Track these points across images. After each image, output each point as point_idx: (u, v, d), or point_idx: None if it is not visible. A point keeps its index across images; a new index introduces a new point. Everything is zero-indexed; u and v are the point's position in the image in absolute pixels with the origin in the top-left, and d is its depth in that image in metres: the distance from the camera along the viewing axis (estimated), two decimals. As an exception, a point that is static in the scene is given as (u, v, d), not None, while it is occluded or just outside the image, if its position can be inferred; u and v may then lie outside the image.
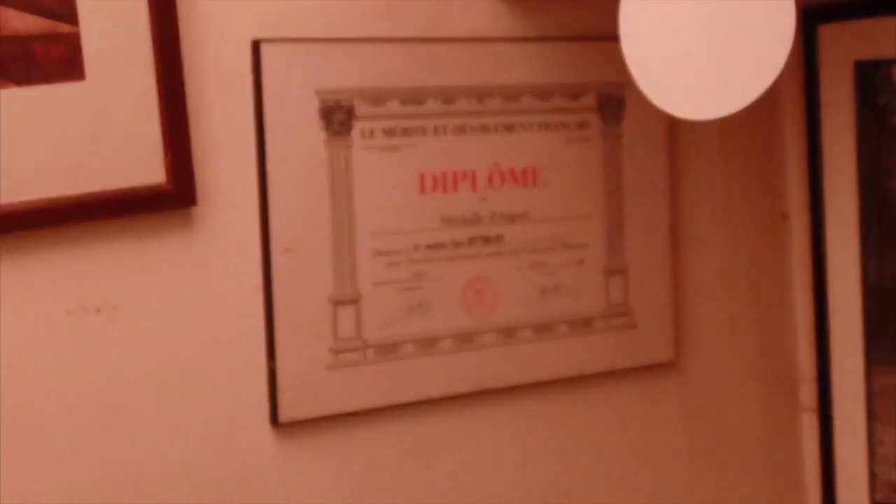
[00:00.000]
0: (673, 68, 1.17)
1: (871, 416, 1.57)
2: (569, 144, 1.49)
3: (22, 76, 1.20)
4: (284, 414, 1.35)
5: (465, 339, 1.45)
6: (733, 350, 1.66)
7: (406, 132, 1.40)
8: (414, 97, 1.40)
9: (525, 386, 1.49)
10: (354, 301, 1.38)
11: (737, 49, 1.15)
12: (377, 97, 1.38)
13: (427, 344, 1.43)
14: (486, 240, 1.45)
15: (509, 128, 1.45)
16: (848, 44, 1.54)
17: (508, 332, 1.47)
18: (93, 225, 1.26)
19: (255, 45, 1.32)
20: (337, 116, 1.36)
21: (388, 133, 1.39)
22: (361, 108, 1.37)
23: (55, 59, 1.21)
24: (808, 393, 1.68)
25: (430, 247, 1.42)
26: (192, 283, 1.32)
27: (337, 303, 1.38)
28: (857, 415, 1.59)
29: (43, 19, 1.21)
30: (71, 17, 1.21)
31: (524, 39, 1.47)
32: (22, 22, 1.19)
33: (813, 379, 1.65)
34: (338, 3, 1.37)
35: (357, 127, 1.37)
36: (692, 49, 1.16)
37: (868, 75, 1.53)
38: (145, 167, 1.26)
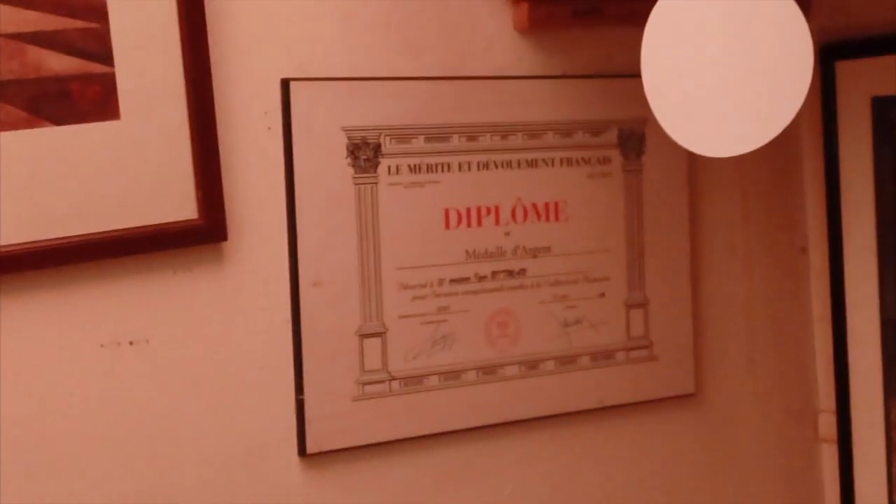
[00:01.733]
0: (693, 105, 1.19)
1: (891, 448, 1.59)
2: (590, 179, 1.52)
3: (59, 115, 1.24)
4: (312, 445, 1.39)
5: (489, 372, 1.48)
6: (753, 382, 1.69)
7: (431, 168, 1.43)
8: (439, 134, 1.43)
9: (548, 417, 1.52)
10: (380, 334, 1.42)
11: (756, 87, 1.17)
12: (403, 134, 1.41)
13: (451, 376, 1.46)
14: (510, 273, 1.48)
15: (532, 164, 1.49)
16: (865, 80, 1.57)
17: (531, 365, 1.50)
18: (127, 260, 1.29)
19: (285, 84, 1.36)
20: (364, 153, 1.39)
21: (414, 169, 1.42)
22: (388, 145, 1.41)
23: (91, 98, 1.25)
24: (827, 424, 1.70)
25: (454, 280, 1.45)
26: (223, 316, 1.35)
27: (363, 336, 1.41)
28: (876, 446, 1.60)
29: (79, 60, 1.24)
30: (106, 57, 1.25)
31: (547, 77, 1.50)
32: (59, 63, 1.23)
33: (832, 411, 1.67)
34: (365, 43, 1.40)
35: (383, 163, 1.40)
36: (712, 86, 1.18)
37: (885, 111, 1.55)
38: (178, 203, 1.30)
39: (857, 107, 1.58)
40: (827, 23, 1.58)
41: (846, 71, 1.59)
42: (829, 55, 1.59)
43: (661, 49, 1.19)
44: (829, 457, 1.70)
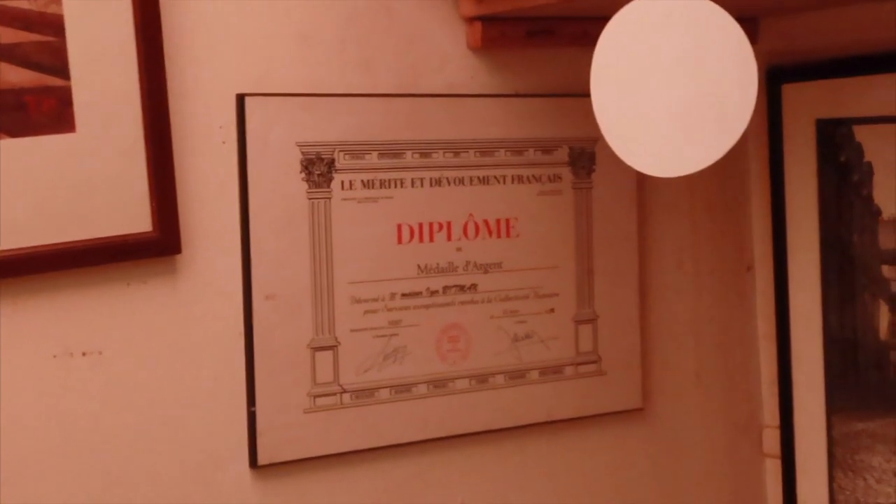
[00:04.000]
0: (641, 125, 1.20)
1: (833, 463, 1.61)
2: (541, 197, 1.54)
3: (15, 127, 1.24)
4: (263, 456, 1.39)
5: (439, 385, 1.49)
6: (699, 397, 1.71)
7: (384, 184, 1.44)
8: (392, 150, 1.45)
9: (498, 431, 1.53)
10: (332, 347, 1.43)
11: (703, 108, 1.19)
12: (357, 150, 1.42)
13: (402, 389, 1.47)
14: (461, 288, 1.50)
15: (484, 180, 1.50)
16: (810, 103, 1.59)
17: (481, 379, 1.51)
18: (81, 271, 1.29)
19: (240, 99, 1.37)
20: (318, 168, 1.40)
21: (367, 185, 1.43)
22: (341, 161, 1.42)
23: (47, 111, 1.26)
24: (771, 440, 1.72)
25: (406, 295, 1.46)
26: (176, 328, 1.35)
27: (315, 349, 1.42)
28: (819, 461, 1.62)
29: (36, 73, 1.25)
30: (63, 71, 1.26)
31: (499, 95, 1.52)
32: (16, 75, 1.24)
33: (776, 426, 1.69)
34: (320, 60, 1.42)
35: (337, 178, 1.41)
36: (660, 107, 1.20)
37: (830, 133, 1.57)
38: (132, 216, 1.31)
39: (802, 129, 1.60)
40: (774, 46, 1.61)
41: (792, 94, 1.61)
42: (775, 78, 1.61)
43: (610, 70, 1.21)
44: (773, 471, 1.72)
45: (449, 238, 1.48)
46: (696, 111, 1.19)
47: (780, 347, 1.66)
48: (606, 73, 1.21)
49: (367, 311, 1.44)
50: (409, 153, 1.46)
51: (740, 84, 1.18)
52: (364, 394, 1.44)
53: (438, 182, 1.47)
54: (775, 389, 1.69)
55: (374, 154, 1.44)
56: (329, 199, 1.41)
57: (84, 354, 1.31)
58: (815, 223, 1.61)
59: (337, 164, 1.41)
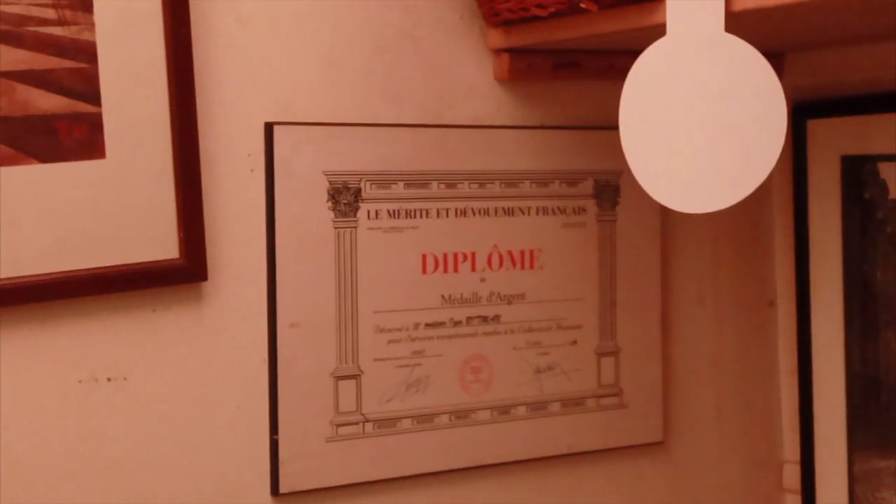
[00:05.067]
0: (668, 161, 1.21)
1: (853, 501, 1.60)
2: (565, 229, 1.54)
3: (45, 153, 1.25)
4: (285, 484, 1.39)
5: (461, 416, 1.49)
6: (720, 432, 1.71)
7: (410, 214, 1.45)
8: (418, 181, 1.45)
9: (519, 462, 1.54)
10: (356, 376, 1.43)
11: (731, 145, 1.19)
12: (383, 180, 1.43)
13: (424, 419, 1.47)
14: (484, 319, 1.50)
15: (509, 212, 1.51)
16: (836, 139, 1.59)
17: (503, 410, 1.51)
18: (107, 297, 1.30)
19: (268, 128, 1.37)
20: (344, 198, 1.41)
21: (393, 214, 1.44)
22: (368, 190, 1.42)
23: (77, 137, 1.26)
24: (791, 476, 1.71)
25: (429, 325, 1.47)
26: (200, 355, 1.36)
27: (339, 377, 1.42)
28: (839, 499, 1.62)
29: (67, 99, 1.26)
30: (94, 97, 1.27)
31: (525, 127, 1.52)
32: (47, 101, 1.25)
33: (797, 461, 1.69)
34: (348, 89, 1.42)
35: (363, 208, 1.42)
36: (687, 143, 1.20)
37: (854, 170, 1.58)
38: (159, 242, 1.31)
39: (827, 164, 1.60)
40: (799, 82, 1.61)
41: (817, 129, 1.61)
42: (800, 113, 1.61)
43: (639, 105, 1.21)
44: (793, 507, 1.72)
45: (473, 269, 1.49)
46: (724, 148, 1.19)
47: (802, 382, 1.66)
48: (635, 107, 1.22)
49: (390, 341, 1.44)
50: (434, 183, 1.46)
51: (769, 121, 1.18)
52: (386, 423, 1.44)
53: (464, 213, 1.48)
54: (796, 424, 1.68)
55: (401, 184, 1.44)
56: (355, 228, 1.42)
57: (109, 380, 1.31)
58: (839, 259, 1.60)
59: (363, 194, 1.42)
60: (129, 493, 1.33)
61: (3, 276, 1.23)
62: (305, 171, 1.39)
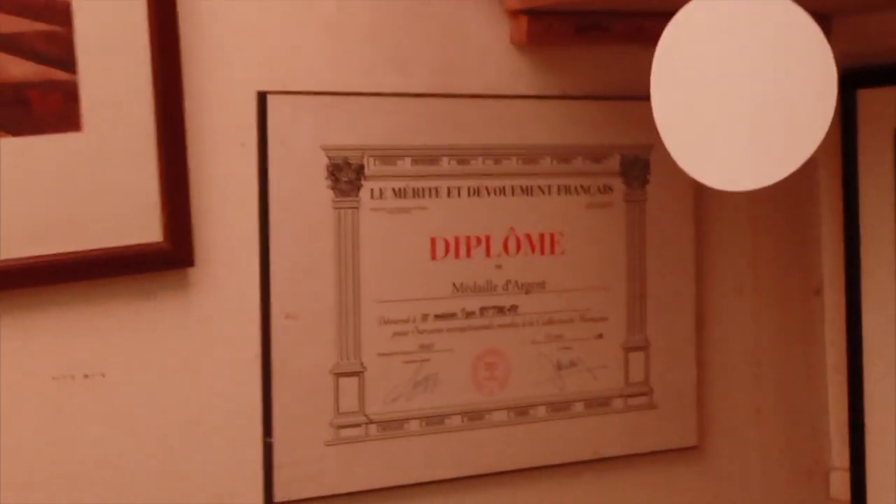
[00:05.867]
0: (706, 133, 1.22)
1: (909, 511, 1.62)
2: (589, 210, 1.57)
3: (16, 125, 1.27)
4: (280, 493, 1.42)
5: (475, 417, 1.52)
6: (760, 436, 1.73)
7: (418, 193, 1.47)
8: (427, 156, 1.47)
9: (538, 469, 1.56)
10: (358, 373, 1.45)
11: (775, 116, 1.20)
12: (388, 155, 1.45)
13: (434, 421, 1.49)
14: (500, 310, 1.52)
15: (527, 191, 1.53)
16: (889, 110, 1.61)
17: (521, 411, 1.54)
18: (83, 285, 1.32)
19: (261, 98, 1.40)
20: (345, 175, 1.43)
21: (399, 194, 1.46)
22: (371, 167, 1.45)
23: (51, 107, 1.28)
24: (839, 484, 1.73)
25: (439, 316, 1.49)
26: (186, 349, 1.38)
27: (339, 374, 1.44)
28: (893, 509, 1.64)
29: (40, 66, 1.28)
30: (69, 64, 1.29)
31: (545, 97, 1.55)
32: (18, 68, 1.26)
33: (846, 468, 1.71)
34: (349, 56, 1.45)
35: (366, 186, 1.44)
36: (727, 114, 1.21)
37: (910, 144, 1.59)
38: (141, 224, 1.33)
39: (879, 138, 1.62)
40: (849, 48, 1.62)
41: (868, 100, 1.63)
42: (850, 83, 1.63)
43: (673, 71, 1.23)
44: (841, 519, 1.74)
45: (488, 254, 1.51)
46: (768, 119, 1.20)
47: (852, 381, 1.68)
48: (669, 74, 1.23)
49: (396, 334, 1.47)
50: (445, 159, 1.48)
51: (816, 90, 1.19)
52: (392, 425, 1.47)
53: (477, 192, 1.50)
54: (845, 428, 1.70)
55: (407, 160, 1.46)
56: (357, 208, 1.44)
57: (86, 377, 1.33)
58: (892, 242, 1.62)
59: (366, 171, 1.44)
60: (107, 501, 1.35)
61: (-33, 261, 1.26)
62: (302, 145, 1.41)
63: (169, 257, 1.35)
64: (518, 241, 1.53)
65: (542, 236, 1.54)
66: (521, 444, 1.54)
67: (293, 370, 1.42)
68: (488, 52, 1.52)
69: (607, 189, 1.58)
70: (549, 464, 1.56)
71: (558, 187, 1.55)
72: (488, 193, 1.51)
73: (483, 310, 1.51)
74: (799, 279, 1.75)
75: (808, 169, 1.67)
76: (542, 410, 1.55)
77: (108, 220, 1.32)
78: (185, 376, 1.38)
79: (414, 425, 1.48)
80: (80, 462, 1.33)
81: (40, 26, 1.27)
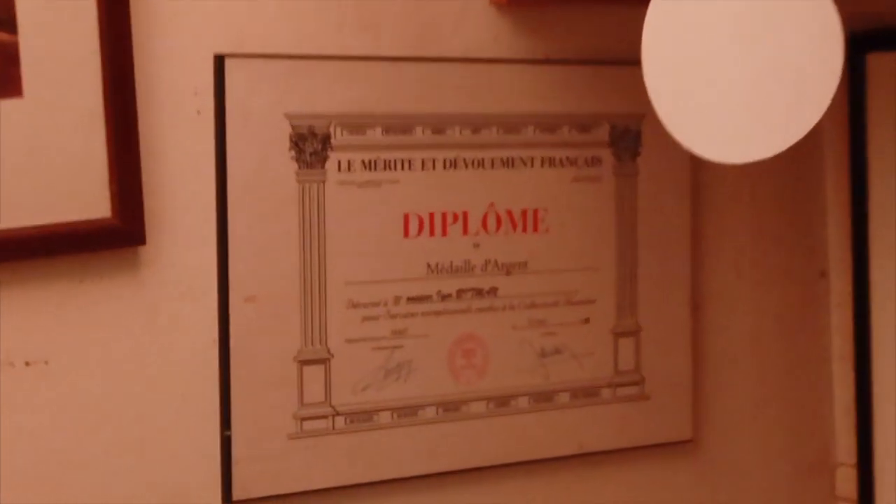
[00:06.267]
0: (702, 101, 1.22)
1: (920, 510, 1.62)
2: (576, 184, 1.56)
3: (-51, 90, 1.26)
4: (240, 490, 1.41)
5: (451, 408, 1.51)
6: (760, 429, 1.73)
7: (389, 165, 1.46)
8: (399, 125, 1.46)
9: (519, 464, 1.55)
10: (324, 360, 1.44)
11: (776, 82, 1.20)
12: (357, 124, 1.44)
13: (407, 412, 1.48)
14: (478, 293, 1.51)
15: (508, 163, 1.52)
16: (900, 76, 1.61)
17: (501, 401, 1.53)
18: (23, 265, 1.30)
19: (219, 61, 1.38)
20: (310, 145, 1.42)
21: (369, 166, 1.45)
22: (338, 137, 1.43)
23: (-12, 71, 1.27)
24: (846, 481, 1.73)
25: (412, 299, 1.48)
26: (137, 335, 1.37)
27: (304, 362, 1.43)
28: (903, 508, 1.64)
29: (-24, 26, 1.26)
30: (9, 24, 1.27)
31: (527, 62, 1.53)
32: (-48, 28, 1.25)
33: (852, 464, 1.71)
34: (314, 16, 1.43)
35: (333, 158, 1.43)
36: (725, 80, 1.21)
37: (923, 113, 1.59)
38: (87, 199, 1.32)
39: (889, 106, 1.62)
40: (856, 9, 1.60)
41: (878, 65, 1.63)
42: (859, 46, 1.62)
43: (667, 34, 1.22)
44: (847, 519, 1.73)
45: (465, 232, 1.50)
46: (769, 85, 1.20)
47: (859, 371, 1.68)
48: (662, 37, 1.22)
49: (365, 318, 1.45)
50: (418, 129, 1.47)
51: (821, 55, 1.19)
52: (361, 417, 1.46)
53: (454, 164, 1.49)
54: (852, 421, 1.70)
55: (378, 129, 1.45)
56: (323, 182, 1.43)
57: (27, 364, 1.32)
58: (904, 220, 1.62)
59: (333, 141, 1.43)
60: (52, 500, 1.33)
61: None
62: (263, 113, 1.40)
63: (118, 234, 1.33)
64: (498, 217, 1.52)
65: (524, 212, 1.53)
66: (501, 437, 1.53)
67: (253, 357, 1.40)
68: (466, 13, 1.50)
69: (595, 161, 1.56)
70: (531, 459, 1.56)
71: (542, 159, 1.53)
72: (466, 166, 1.50)
73: (460, 292, 1.50)
74: (802, 260, 1.74)
75: (813, 139, 1.67)
76: (523, 401, 1.54)
77: (51, 194, 1.30)
78: (135, 364, 1.37)
79: (385, 417, 1.47)
80: (20, 457, 1.32)
81: (-24, -18, 1.26)
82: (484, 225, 1.51)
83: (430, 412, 1.49)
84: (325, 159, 1.43)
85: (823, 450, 1.76)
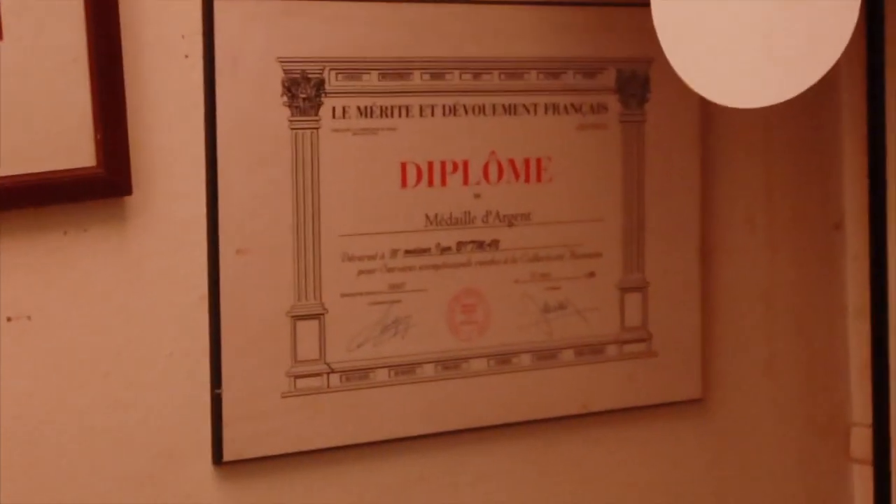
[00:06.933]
0: (713, 43, 1.22)
1: (938, 471, 1.63)
2: (581, 131, 1.56)
3: (-74, 33, 1.26)
4: (230, 451, 1.42)
5: (450, 366, 1.52)
6: (772, 388, 1.74)
7: (386, 112, 1.46)
8: (396, 70, 1.47)
9: (521, 424, 1.56)
10: (318, 316, 1.45)
11: (789, 23, 1.20)
12: (352, 69, 1.44)
13: (405, 370, 1.49)
14: (479, 245, 1.52)
15: (510, 110, 1.52)
16: (921, 17, 1.61)
17: (502, 359, 1.54)
18: (4, 216, 1.31)
19: (207, 2, 1.38)
20: (303, 90, 1.42)
21: (365, 113, 1.45)
22: (333, 82, 1.44)
23: (-34, 13, 1.27)
24: (861, 442, 1.75)
25: (410, 252, 1.49)
26: (124, 289, 1.37)
27: (297, 317, 1.44)
28: (920, 469, 1.65)
29: (-48, -36, 1.26)
30: (-13, -38, 1.27)
31: (530, 3, 1.53)
32: (-74, -34, 1.25)
33: (867, 424, 1.71)
34: (307, -46, 1.43)
35: (327, 104, 1.43)
36: (736, 21, 1.21)
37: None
38: (71, 147, 1.32)
39: (910, 51, 1.62)
40: (876, -54, 1.62)
41: (897, 6, 1.62)
42: (877, -15, 1.63)
43: (676, -28, 1.22)
44: (862, 479, 1.75)
45: (465, 181, 1.51)
46: (783, 27, 1.20)
47: (875, 327, 1.68)
48: (671, -24, 1.23)
49: (361, 272, 1.46)
50: (417, 73, 1.48)
51: (838, -7, 1.19)
52: (356, 375, 1.47)
53: (453, 110, 1.49)
54: (868, 379, 1.71)
55: (374, 74, 1.45)
56: (317, 129, 1.43)
57: (9, 320, 1.33)
58: (923, 170, 1.63)
59: (327, 86, 1.43)
60: (36, 460, 1.35)
61: None
62: (254, 56, 1.40)
63: (103, 184, 1.34)
64: (500, 166, 1.52)
65: (526, 161, 1.53)
66: (502, 396, 1.54)
67: (245, 313, 1.41)
68: (466, -48, 1.51)
69: (601, 108, 1.57)
70: (534, 418, 1.57)
71: (545, 106, 1.54)
72: (466, 112, 1.50)
73: (460, 245, 1.51)
74: (817, 211, 1.75)
75: (828, 84, 1.67)
76: (526, 359, 1.55)
77: (34, 143, 1.31)
78: (122, 320, 1.38)
79: (382, 375, 1.48)
80: (4, 416, 1.33)
81: (-48, -82, 1.26)
82: (485, 174, 1.52)
83: (428, 370, 1.50)
84: (318, 105, 1.43)
85: (837, 409, 1.77)
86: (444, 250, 1.50)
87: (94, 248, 1.36)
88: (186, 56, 1.38)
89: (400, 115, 1.47)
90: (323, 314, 1.45)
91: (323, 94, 1.43)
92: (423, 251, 1.49)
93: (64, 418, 1.36)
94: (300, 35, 1.42)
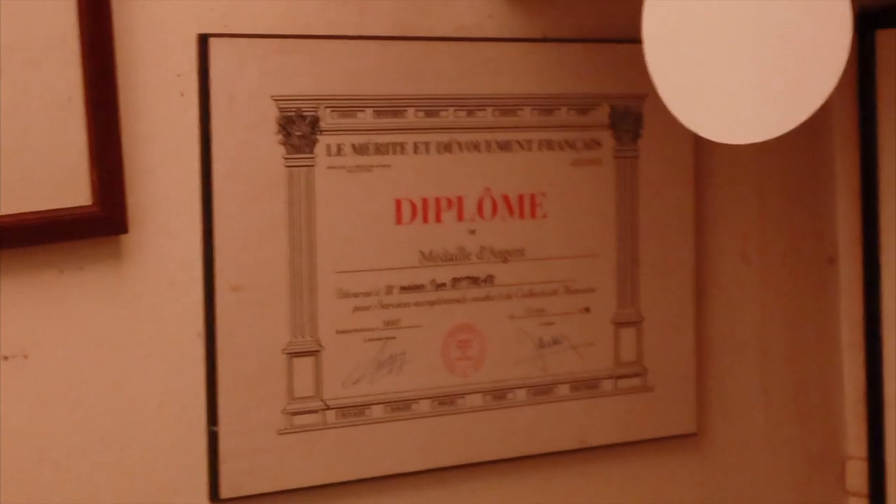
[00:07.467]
0: (706, 80, 1.22)
1: (933, 504, 1.63)
2: (575, 167, 1.57)
3: (-79, 73, 1.26)
4: (227, 488, 1.42)
5: (446, 402, 1.52)
6: (767, 422, 1.74)
7: (381, 149, 1.47)
8: (391, 107, 1.47)
9: (517, 459, 1.56)
10: (314, 352, 1.45)
11: (782, 60, 1.20)
12: (347, 106, 1.45)
13: (400, 406, 1.49)
14: (474, 281, 1.52)
15: (504, 146, 1.53)
16: (911, 54, 1.61)
17: (498, 394, 1.54)
18: (2, 255, 1.31)
19: (202, 41, 1.39)
20: (298, 128, 1.43)
21: (360, 150, 1.46)
22: (328, 119, 1.44)
23: (-39, 52, 1.27)
24: (856, 475, 1.74)
25: (405, 289, 1.49)
26: (120, 327, 1.38)
27: (293, 354, 1.44)
28: (915, 502, 1.65)
29: (-54, 3, 1.27)
30: (-18, 1, 1.27)
31: (524, 40, 1.54)
32: (-77, 7, 1.26)
33: (863, 457, 1.72)
34: (302, -7, 1.44)
35: (322, 141, 1.44)
36: (729, 58, 1.21)
37: (935, 92, 1.60)
38: (66, 185, 1.32)
39: (900, 86, 1.62)
40: (867, -17, 1.63)
41: (888, 42, 1.63)
42: (867, 23, 1.63)
43: (669, 10, 1.22)
44: (858, 514, 1.74)
45: (460, 218, 1.51)
46: (775, 63, 1.20)
47: (869, 360, 1.68)
48: (664, 12, 1.23)
49: (357, 308, 1.46)
50: (411, 111, 1.48)
51: (829, 31, 1.19)
52: (352, 411, 1.47)
53: (448, 147, 1.50)
54: (862, 412, 1.71)
55: (368, 112, 1.46)
56: (312, 166, 1.44)
57: (6, 358, 1.33)
58: (916, 205, 1.63)
59: (322, 124, 1.44)
60: (33, 498, 1.34)
61: None
62: (249, 94, 1.40)
63: (99, 223, 1.34)
64: (494, 203, 1.53)
65: (521, 197, 1.54)
66: (498, 431, 1.54)
67: (240, 349, 1.41)
68: (459, -11, 1.52)
69: (595, 144, 1.57)
70: (529, 454, 1.57)
71: (539, 142, 1.54)
72: (460, 149, 1.51)
73: (455, 281, 1.52)
74: (811, 245, 1.75)
75: (821, 119, 1.67)
76: (521, 394, 1.55)
77: (29, 182, 1.31)
78: (118, 358, 1.38)
79: (377, 411, 1.48)
80: (1, 454, 1.32)
81: (-54, -44, 1.27)
82: (479, 211, 1.52)
83: (424, 406, 1.50)
84: (313, 143, 1.44)
85: (832, 443, 1.77)
86: (439, 286, 1.51)
87: (91, 287, 1.36)
88: (182, 94, 1.39)
89: (394, 153, 1.47)
90: (319, 351, 1.45)
91: (318, 132, 1.44)
92: (418, 287, 1.49)
93: (61, 456, 1.36)
94: (295, 73, 1.42)
